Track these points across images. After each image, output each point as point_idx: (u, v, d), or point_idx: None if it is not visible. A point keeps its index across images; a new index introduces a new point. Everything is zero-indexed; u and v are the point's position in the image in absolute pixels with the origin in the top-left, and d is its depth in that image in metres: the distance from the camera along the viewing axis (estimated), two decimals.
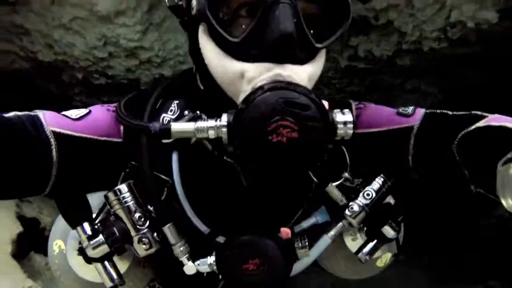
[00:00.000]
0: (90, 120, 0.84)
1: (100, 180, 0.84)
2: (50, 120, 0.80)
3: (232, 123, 0.69)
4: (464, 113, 0.81)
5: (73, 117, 0.83)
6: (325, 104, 0.71)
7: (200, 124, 0.72)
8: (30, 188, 0.78)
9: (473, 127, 0.73)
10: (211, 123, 0.72)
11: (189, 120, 0.77)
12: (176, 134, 0.75)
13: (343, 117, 0.71)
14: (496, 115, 0.76)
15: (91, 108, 0.87)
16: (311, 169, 0.82)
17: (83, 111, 0.85)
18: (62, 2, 2.03)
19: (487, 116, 0.76)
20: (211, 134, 0.72)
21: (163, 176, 0.82)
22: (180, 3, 0.79)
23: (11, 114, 0.77)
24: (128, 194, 0.79)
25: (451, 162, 0.75)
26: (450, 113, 0.83)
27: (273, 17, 0.69)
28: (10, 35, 2.08)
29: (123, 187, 0.79)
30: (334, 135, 0.72)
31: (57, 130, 0.79)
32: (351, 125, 0.71)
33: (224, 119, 0.71)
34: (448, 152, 0.75)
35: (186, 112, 0.83)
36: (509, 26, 1.65)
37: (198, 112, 0.79)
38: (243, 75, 0.72)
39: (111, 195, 0.79)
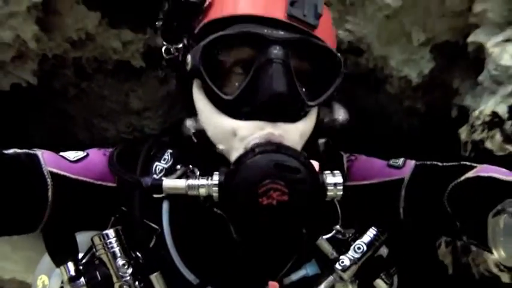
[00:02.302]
0: (87, 163, 0.77)
1: (90, 223, 0.77)
2: (49, 160, 0.72)
3: (223, 183, 0.64)
4: (453, 164, 0.75)
5: (71, 159, 0.76)
6: (316, 164, 0.66)
7: (191, 182, 0.67)
8: (23, 226, 0.71)
9: (463, 178, 0.67)
10: (202, 181, 0.66)
11: (181, 175, 0.73)
12: (167, 190, 0.68)
13: (333, 179, 0.65)
14: (485, 165, 0.70)
15: (88, 151, 0.80)
16: (301, 227, 0.75)
17: (81, 153, 0.78)
18: (104, 98, 2.25)
19: (476, 167, 0.70)
20: (202, 192, 0.66)
21: (152, 224, 0.74)
22: (176, 54, 0.74)
23: (11, 151, 0.71)
24: (114, 240, 0.71)
25: (442, 213, 0.68)
26: (440, 164, 0.76)
27: (266, 76, 0.63)
28: (59, 120, 2.28)
29: (110, 232, 0.71)
30: (324, 196, 0.66)
31: (55, 171, 0.71)
32: (341, 187, 0.65)
33: (216, 178, 0.65)
34: (439, 204, 0.68)
35: (178, 166, 0.75)
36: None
37: (190, 166, 0.73)
38: (236, 133, 0.66)
39: (96, 239, 0.72)
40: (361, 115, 2.29)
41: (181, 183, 0.67)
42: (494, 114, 1.18)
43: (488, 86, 1.33)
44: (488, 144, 1.23)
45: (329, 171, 0.66)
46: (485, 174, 0.65)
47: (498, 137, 1.18)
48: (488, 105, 1.23)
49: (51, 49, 1.83)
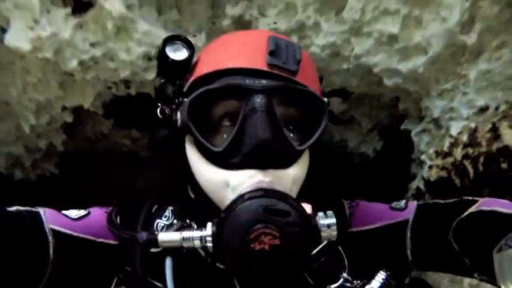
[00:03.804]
0: (89, 221, 0.79)
1: (93, 283, 0.77)
2: (51, 218, 0.75)
3: (215, 233, 0.65)
4: (455, 200, 0.78)
5: (72, 217, 0.78)
6: (308, 207, 0.67)
7: (186, 234, 0.68)
8: (23, 285, 0.71)
9: (466, 213, 0.70)
10: (196, 233, 0.67)
11: (177, 229, 0.74)
12: (163, 244, 0.69)
13: (326, 220, 0.66)
14: (487, 198, 0.73)
15: (90, 209, 0.83)
16: (299, 273, 0.74)
17: (82, 212, 0.81)
18: (114, 180, 2.67)
19: (477, 201, 0.73)
20: (197, 244, 0.67)
21: (156, 283, 0.75)
22: (170, 114, 0.78)
23: (13, 208, 0.74)
24: None
25: (450, 251, 0.70)
26: (442, 201, 0.80)
27: (251, 125, 0.66)
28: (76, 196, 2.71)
29: None
30: (318, 238, 0.66)
31: (57, 228, 0.74)
32: (335, 227, 0.66)
33: (209, 228, 0.66)
34: (445, 242, 0.71)
35: (175, 221, 0.78)
36: None
37: (187, 221, 0.76)
38: (228, 184, 0.68)
39: None
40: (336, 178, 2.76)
41: (176, 235, 0.68)
42: (418, 188, 1.63)
43: (418, 163, 1.79)
44: None
45: (322, 213, 0.67)
46: (488, 209, 0.68)
47: None
48: (414, 181, 1.68)
49: (72, 146, 2.32)
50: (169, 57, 0.73)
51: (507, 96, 1.40)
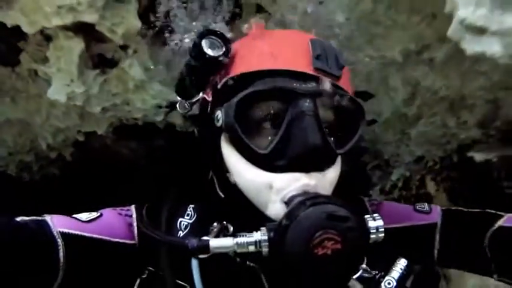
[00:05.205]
0: (102, 222, 0.78)
1: (114, 285, 0.78)
2: (58, 222, 0.74)
3: (274, 238, 0.66)
4: (478, 210, 0.86)
5: (83, 219, 0.77)
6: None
7: (240, 240, 0.68)
8: None
9: (496, 226, 0.79)
10: (251, 238, 0.68)
11: (218, 232, 0.75)
12: (214, 250, 0.69)
13: (374, 223, 0.70)
14: (510, 214, 0.82)
15: (102, 211, 0.81)
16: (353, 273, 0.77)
17: (94, 214, 0.79)
18: (114, 186, 2.99)
19: (503, 216, 0.81)
20: (252, 248, 0.68)
21: (183, 283, 0.76)
22: (189, 109, 0.78)
23: (18, 218, 0.72)
24: None
25: (480, 256, 0.78)
26: (465, 210, 0.86)
27: (300, 129, 0.67)
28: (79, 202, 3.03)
29: None
30: (368, 241, 0.70)
31: (65, 231, 0.72)
32: (382, 229, 0.70)
33: (264, 233, 0.67)
34: (478, 248, 0.79)
35: (215, 224, 0.76)
36: None
37: (224, 223, 0.76)
38: (271, 186, 0.69)
39: None
40: None
41: (229, 241, 0.69)
42: None
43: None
44: None
45: (369, 216, 0.70)
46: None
47: None
48: None
49: (78, 155, 2.64)
50: (206, 53, 0.73)
51: (436, 152, 1.87)
